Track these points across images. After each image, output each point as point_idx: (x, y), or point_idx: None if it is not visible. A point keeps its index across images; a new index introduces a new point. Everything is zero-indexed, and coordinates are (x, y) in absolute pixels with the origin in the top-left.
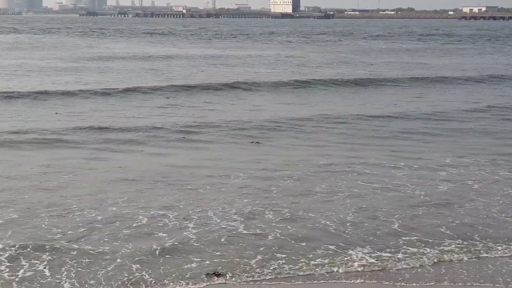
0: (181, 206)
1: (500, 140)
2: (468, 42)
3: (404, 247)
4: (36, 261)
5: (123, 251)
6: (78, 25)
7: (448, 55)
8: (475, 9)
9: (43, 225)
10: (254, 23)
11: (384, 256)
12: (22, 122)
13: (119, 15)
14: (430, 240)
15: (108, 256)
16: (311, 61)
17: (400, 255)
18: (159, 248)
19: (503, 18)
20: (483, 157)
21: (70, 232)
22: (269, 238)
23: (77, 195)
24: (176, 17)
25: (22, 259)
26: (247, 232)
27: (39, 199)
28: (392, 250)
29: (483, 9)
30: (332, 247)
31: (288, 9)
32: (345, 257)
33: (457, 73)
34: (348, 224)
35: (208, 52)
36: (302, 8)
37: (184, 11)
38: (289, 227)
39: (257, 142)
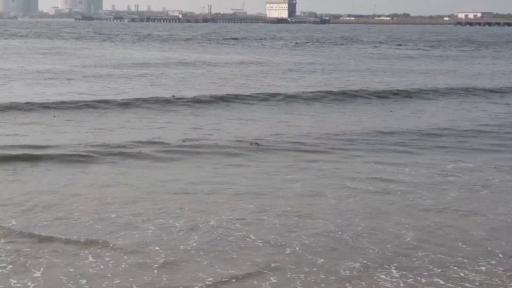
0: (184, 214)
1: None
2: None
3: (433, 268)
4: (28, 281)
5: (123, 267)
6: (86, 30)
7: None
8: (471, 15)
9: (43, 235)
10: (264, 29)
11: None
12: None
13: (115, 20)
14: (465, 260)
15: (109, 275)
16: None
17: (441, 282)
18: (160, 267)
19: (498, 24)
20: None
21: (68, 244)
22: (287, 252)
23: (81, 208)
24: (172, 22)
25: (11, 278)
26: (261, 246)
27: (45, 208)
28: (426, 274)
29: (479, 15)
30: (355, 265)
31: (284, 14)
32: (374, 281)
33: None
34: (364, 235)
35: (232, 58)
36: (298, 13)
37: (180, 16)
38: (303, 236)
39: (256, 143)
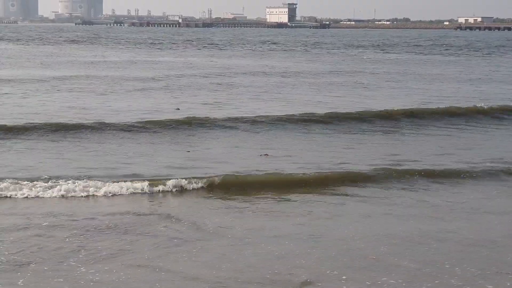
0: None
1: None
2: None
3: None
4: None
5: None
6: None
7: None
8: (471, 20)
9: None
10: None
11: None
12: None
13: (115, 24)
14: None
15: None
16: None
17: None
18: None
19: (498, 28)
20: None
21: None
22: (303, 266)
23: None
24: (172, 26)
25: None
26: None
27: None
28: None
29: (479, 19)
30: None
31: (284, 19)
32: None
33: None
34: (387, 255)
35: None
36: (298, 18)
37: (180, 20)
38: (318, 249)
39: (266, 154)
